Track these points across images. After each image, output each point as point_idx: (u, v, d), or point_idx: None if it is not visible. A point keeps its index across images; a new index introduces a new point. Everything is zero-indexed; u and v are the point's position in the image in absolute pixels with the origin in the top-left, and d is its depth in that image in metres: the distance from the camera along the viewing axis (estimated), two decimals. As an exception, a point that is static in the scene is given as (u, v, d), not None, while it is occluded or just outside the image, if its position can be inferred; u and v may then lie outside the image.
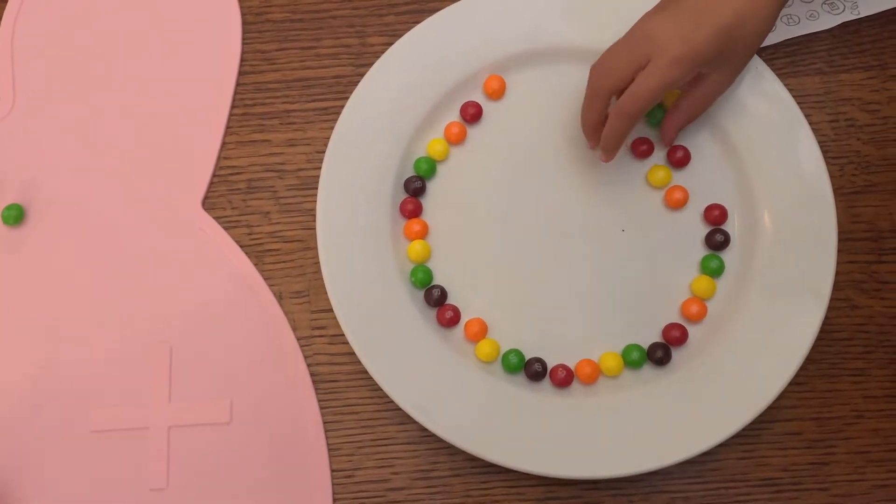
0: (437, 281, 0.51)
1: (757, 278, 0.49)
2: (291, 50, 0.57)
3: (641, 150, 0.52)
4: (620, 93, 0.47)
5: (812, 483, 0.48)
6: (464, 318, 0.50)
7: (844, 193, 0.53)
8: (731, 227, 0.51)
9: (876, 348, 0.50)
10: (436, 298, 0.50)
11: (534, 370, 0.48)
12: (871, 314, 0.51)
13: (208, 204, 0.54)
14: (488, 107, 0.54)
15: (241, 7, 0.58)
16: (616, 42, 0.48)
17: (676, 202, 0.51)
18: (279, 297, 0.52)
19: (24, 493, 0.49)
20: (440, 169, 0.53)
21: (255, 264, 0.53)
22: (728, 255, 0.51)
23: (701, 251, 0.51)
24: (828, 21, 0.56)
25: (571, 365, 0.49)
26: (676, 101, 0.50)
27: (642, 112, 0.47)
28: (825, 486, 0.48)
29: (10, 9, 0.58)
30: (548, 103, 0.54)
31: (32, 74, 0.57)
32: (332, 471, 0.49)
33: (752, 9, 0.45)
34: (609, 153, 0.49)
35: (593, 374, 0.48)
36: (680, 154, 0.52)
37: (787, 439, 0.49)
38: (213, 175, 0.54)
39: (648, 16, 0.47)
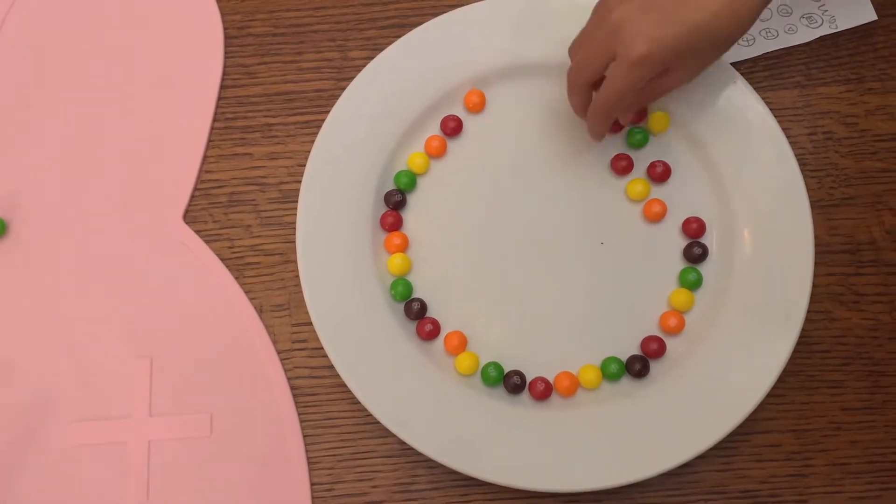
0: (417, 294, 0.51)
1: (735, 291, 0.50)
2: (273, 64, 0.57)
3: (621, 166, 0.52)
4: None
5: (790, 495, 0.49)
6: (443, 332, 0.50)
7: (822, 206, 0.53)
8: (710, 240, 0.52)
9: (854, 360, 0.51)
10: (415, 312, 0.50)
11: (513, 383, 0.48)
12: (850, 326, 0.51)
13: (189, 217, 0.54)
14: (468, 120, 0.54)
15: (224, 21, 0.58)
16: (585, 30, 0.47)
17: (655, 215, 0.52)
18: (260, 311, 0.52)
19: (2, 508, 0.49)
20: (421, 182, 0.53)
21: (236, 277, 0.53)
22: (706, 268, 0.51)
23: (679, 264, 0.51)
24: (806, 35, 0.56)
25: (550, 378, 0.49)
26: None
27: (616, 111, 0.47)
28: (803, 498, 0.49)
29: (-7, 23, 0.58)
30: (527, 117, 0.54)
31: (14, 88, 0.57)
32: (312, 484, 0.49)
33: (729, 10, 0.43)
34: (597, 139, 0.51)
35: (572, 387, 0.49)
36: (660, 169, 0.52)
37: (765, 451, 0.49)
38: (195, 188, 0.55)
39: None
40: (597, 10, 0.46)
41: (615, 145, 0.54)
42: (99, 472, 0.49)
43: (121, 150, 0.55)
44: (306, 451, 0.50)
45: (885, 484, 0.49)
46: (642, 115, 0.53)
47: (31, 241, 0.54)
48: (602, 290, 0.51)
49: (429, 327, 0.50)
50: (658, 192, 0.53)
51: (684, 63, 0.46)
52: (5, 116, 0.56)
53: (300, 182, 0.52)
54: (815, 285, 0.50)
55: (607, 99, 0.46)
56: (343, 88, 0.53)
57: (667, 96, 0.52)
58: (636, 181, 0.52)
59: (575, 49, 0.48)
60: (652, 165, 0.52)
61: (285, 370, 0.51)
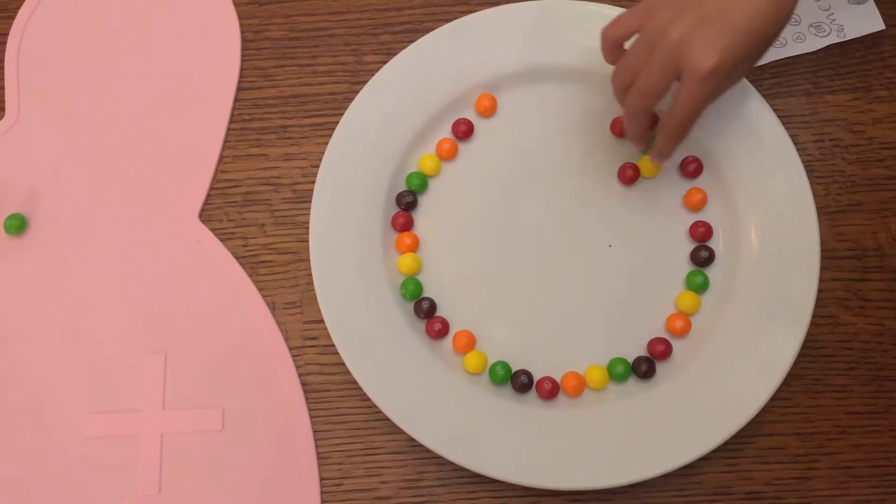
0: (427, 293, 0.52)
1: (741, 294, 0.50)
2: (289, 67, 0.58)
3: (628, 175, 0.53)
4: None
5: (795, 498, 0.49)
6: (452, 331, 0.51)
7: (829, 212, 0.54)
8: (716, 244, 0.52)
9: (859, 365, 0.51)
10: (425, 311, 0.51)
11: (520, 382, 0.49)
12: (855, 331, 0.52)
13: (205, 216, 0.55)
14: (479, 124, 0.55)
15: (241, 25, 0.59)
16: (635, 55, 0.46)
17: (696, 204, 0.52)
18: (272, 308, 0.53)
19: (14, 499, 0.50)
20: (432, 184, 0.54)
21: (250, 275, 0.54)
22: (713, 272, 0.52)
23: (686, 267, 0.52)
24: (814, 43, 0.57)
25: (557, 377, 0.50)
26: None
27: (691, 127, 0.47)
28: (808, 500, 0.49)
29: (17, 24, 0.59)
30: (537, 121, 0.55)
31: (37, 88, 0.58)
32: (321, 479, 0.50)
33: (775, 4, 0.44)
34: (664, 159, 0.50)
35: (579, 387, 0.49)
36: (692, 167, 0.53)
37: (770, 454, 0.50)
38: (211, 188, 0.56)
39: (669, 18, 0.44)
40: (645, 34, 0.46)
41: (624, 153, 0.54)
42: (112, 463, 0.50)
43: (139, 150, 0.57)
44: (316, 446, 0.50)
45: (890, 488, 0.49)
46: (637, 174, 0.53)
47: (50, 238, 0.55)
48: (609, 292, 0.52)
49: (438, 326, 0.50)
50: (669, 195, 0.53)
51: (740, 66, 0.46)
52: (28, 117, 0.58)
53: (314, 182, 0.53)
54: (820, 290, 0.50)
55: (684, 116, 0.46)
56: (357, 92, 0.55)
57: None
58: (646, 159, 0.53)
59: (623, 75, 0.47)
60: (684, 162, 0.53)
61: (296, 366, 0.52)
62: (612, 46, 0.48)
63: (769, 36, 0.45)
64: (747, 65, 0.47)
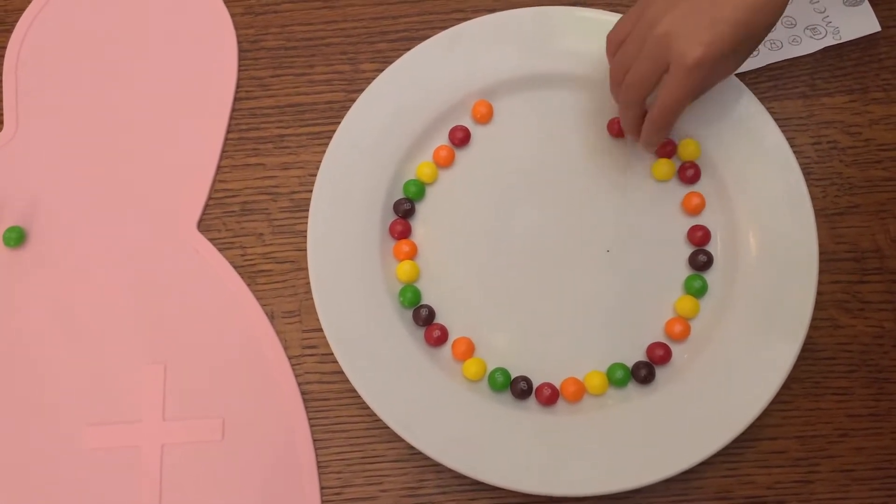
0: (426, 301, 0.52)
1: (740, 298, 0.50)
2: (286, 76, 0.58)
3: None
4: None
5: (796, 501, 0.49)
6: (451, 338, 0.51)
7: (827, 214, 0.54)
8: (714, 247, 0.52)
9: (859, 367, 0.51)
10: (424, 318, 0.51)
11: (520, 388, 0.49)
12: (855, 334, 0.52)
13: (203, 226, 0.55)
14: (476, 131, 0.55)
15: (238, 35, 0.59)
16: (627, 49, 0.47)
17: (694, 208, 0.52)
18: (271, 317, 0.53)
19: (19, 509, 0.50)
20: (429, 191, 0.54)
21: (249, 285, 0.54)
22: (711, 276, 0.51)
23: (685, 271, 0.52)
24: (810, 46, 0.57)
25: (557, 383, 0.50)
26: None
27: (676, 119, 0.48)
28: (809, 504, 0.49)
29: (15, 37, 0.60)
30: (534, 127, 0.55)
31: (35, 101, 0.58)
32: (322, 488, 0.50)
33: (765, 1, 0.44)
34: (652, 150, 0.51)
35: (578, 393, 0.49)
36: (690, 172, 0.53)
37: (771, 457, 0.50)
38: (209, 198, 0.56)
39: (660, 11, 0.45)
40: (638, 29, 0.47)
41: (622, 156, 0.54)
42: (112, 475, 0.50)
43: (137, 160, 0.57)
44: (316, 455, 0.50)
45: (892, 491, 0.49)
46: (671, 149, 0.54)
47: (49, 250, 0.55)
48: (608, 297, 0.52)
49: (437, 333, 0.50)
50: (667, 199, 0.53)
51: (728, 60, 0.46)
52: (27, 129, 0.58)
53: (311, 191, 0.53)
54: (820, 293, 0.50)
55: (667, 108, 0.47)
56: (354, 100, 0.55)
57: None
58: (662, 161, 0.53)
59: (617, 70, 0.49)
60: (682, 168, 0.53)
61: (296, 375, 0.52)
62: (614, 48, 0.49)
63: (759, 29, 0.45)
64: (737, 58, 0.47)
